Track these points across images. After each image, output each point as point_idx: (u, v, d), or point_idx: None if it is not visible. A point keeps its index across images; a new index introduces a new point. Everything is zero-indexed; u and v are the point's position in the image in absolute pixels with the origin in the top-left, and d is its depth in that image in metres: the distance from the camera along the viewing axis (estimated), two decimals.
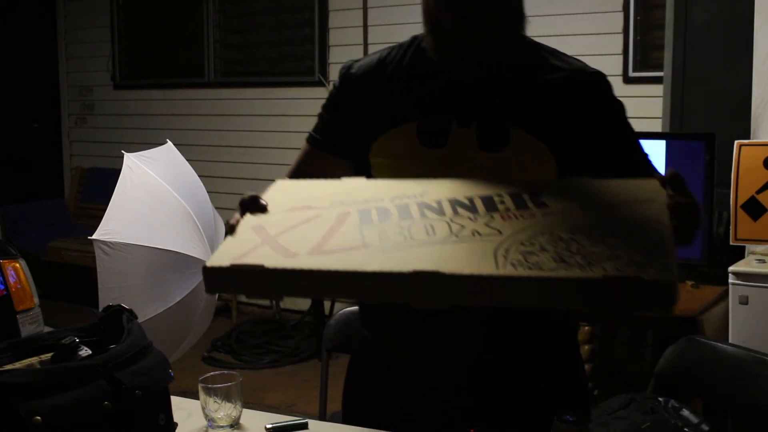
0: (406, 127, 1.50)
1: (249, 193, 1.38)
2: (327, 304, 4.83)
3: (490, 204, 1.25)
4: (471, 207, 1.25)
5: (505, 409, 1.53)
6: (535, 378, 1.55)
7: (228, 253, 1.22)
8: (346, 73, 1.59)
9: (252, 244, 1.24)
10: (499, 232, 1.17)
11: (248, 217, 1.32)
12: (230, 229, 1.31)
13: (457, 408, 1.54)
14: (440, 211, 1.24)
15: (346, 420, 1.71)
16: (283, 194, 1.39)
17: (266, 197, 1.37)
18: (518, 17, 1.52)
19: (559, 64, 1.53)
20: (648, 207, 1.21)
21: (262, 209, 1.34)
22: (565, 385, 1.59)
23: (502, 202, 1.25)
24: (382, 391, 1.64)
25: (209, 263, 1.23)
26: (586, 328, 3.72)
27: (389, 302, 1.25)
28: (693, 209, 1.27)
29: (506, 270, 1.08)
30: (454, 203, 1.27)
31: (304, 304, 5.23)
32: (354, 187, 1.37)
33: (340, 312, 2.25)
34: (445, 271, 1.09)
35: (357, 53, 4.99)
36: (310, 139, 1.70)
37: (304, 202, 1.34)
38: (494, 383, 1.53)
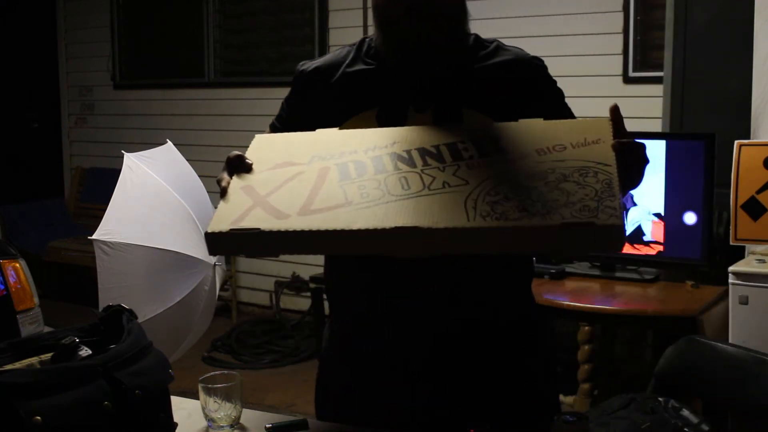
0: (365, 114, 1.58)
1: (235, 152, 1.46)
2: (327, 305, 4.82)
3: (455, 152, 1.38)
4: (438, 156, 1.38)
5: (468, 391, 1.60)
6: (496, 356, 1.61)
7: (225, 218, 1.33)
8: (301, 71, 1.70)
9: (245, 206, 1.34)
10: (466, 182, 1.31)
11: (236, 178, 1.41)
12: (223, 191, 1.39)
13: (420, 390, 1.60)
14: (411, 163, 1.37)
15: (319, 415, 1.77)
16: (265, 151, 1.49)
17: (250, 155, 1.47)
18: (461, 10, 1.59)
19: (502, 51, 1.65)
20: (596, 148, 1.34)
21: (248, 169, 1.43)
22: (525, 362, 1.64)
23: (466, 149, 1.38)
24: (346, 380, 1.72)
25: (209, 229, 1.32)
26: (586, 328, 3.72)
27: (373, 254, 1.33)
28: (637, 147, 1.36)
29: (476, 222, 1.22)
30: (423, 153, 1.39)
31: (304, 304, 5.23)
32: (329, 139, 1.48)
33: None
34: (422, 225, 1.23)
35: None
36: (272, 128, 1.78)
37: (286, 158, 1.45)
38: (456, 363, 1.59)
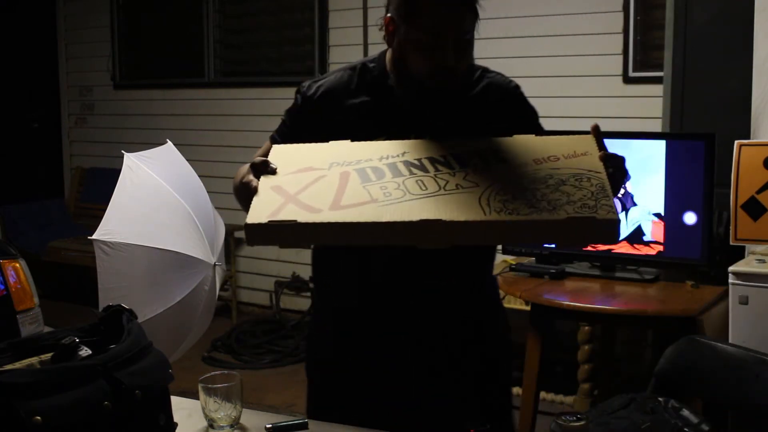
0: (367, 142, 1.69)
1: (259, 158, 1.60)
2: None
3: (462, 161, 1.54)
4: (447, 164, 1.54)
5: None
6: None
7: (262, 211, 1.46)
8: (305, 92, 1.82)
9: (278, 202, 1.48)
10: (476, 184, 1.47)
11: (264, 179, 1.55)
12: (254, 190, 1.52)
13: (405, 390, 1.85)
14: (424, 169, 1.53)
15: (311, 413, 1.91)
16: (284, 158, 1.62)
17: (273, 159, 1.60)
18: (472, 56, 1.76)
19: (486, 77, 1.84)
20: (585, 159, 1.53)
21: (273, 172, 1.56)
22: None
23: (471, 158, 1.55)
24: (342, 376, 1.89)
25: (249, 220, 1.45)
26: (586, 328, 3.73)
27: (400, 245, 1.48)
28: (621, 159, 1.57)
29: (492, 216, 1.39)
30: (433, 161, 1.55)
31: (304, 304, 5.23)
32: (342, 150, 1.62)
33: None
34: (445, 218, 1.39)
35: (357, 53, 4.99)
36: (272, 141, 1.88)
37: (306, 164, 1.58)
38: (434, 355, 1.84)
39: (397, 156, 1.57)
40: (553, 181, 1.46)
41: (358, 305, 1.86)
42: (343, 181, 1.51)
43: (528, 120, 1.84)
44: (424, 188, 1.47)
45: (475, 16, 1.68)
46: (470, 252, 1.74)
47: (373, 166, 1.55)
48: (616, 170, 1.54)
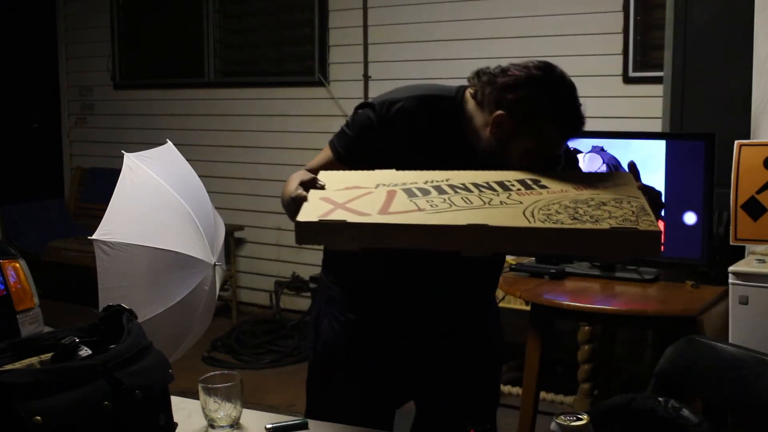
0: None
1: (308, 175, 1.66)
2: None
3: (504, 186, 1.61)
4: (490, 188, 1.60)
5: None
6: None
7: (312, 213, 1.51)
8: (386, 114, 1.83)
9: (328, 208, 1.53)
10: (520, 202, 1.53)
11: (312, 191, 1.60)
12: (302, 199, 1.57)
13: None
14: (468, 190, 1.59)
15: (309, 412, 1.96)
16: (330, 179, 1.67)
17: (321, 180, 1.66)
18: None
19: None
20: (625, 188, 1.61)
21: (322, 188, 1.62)
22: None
23: (513, 185, 1.61)
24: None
25: (300, 218, 1.50)
26: (586, 328, 3.72)
27: (443, 250, 1.53)
28: (657, 193, 1.67)
29: (537, 224, 1.44)
30: (476, 185, 1.61)
31: (304, 304, 5.23)
32: (388, 175, 1.68)
33: None
34: (492, 224, 1.44)
35: (357, 53, 4.99)
36: (332, 146, 1.89)
37: (352, 184, 1.64)
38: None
39: (442, 180, 1.63)
40: (594, 202, 1.52)
41: (368, 304, 1.94)
42: (390, 196, 1.57)
43: (572, 162, 1.99)
44: (469, 202, 1.53)
45: None
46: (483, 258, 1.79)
47: (419, 187, 1.61)
48: (652, 201, 1.58)
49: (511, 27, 4.48)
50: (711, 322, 2.79)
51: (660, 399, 2.10)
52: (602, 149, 3.23)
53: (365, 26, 4.95)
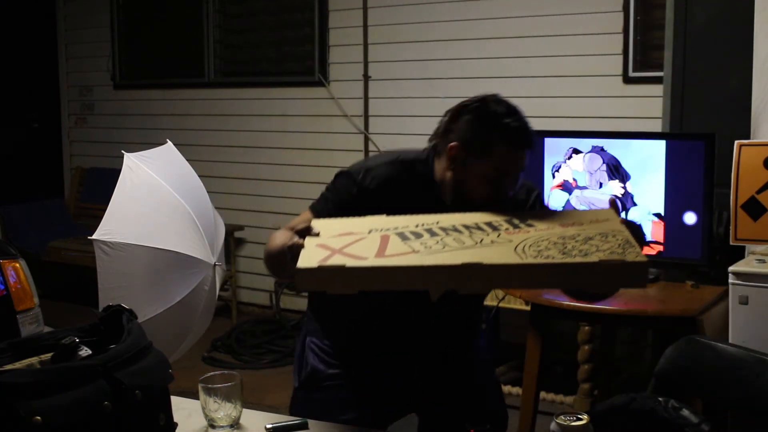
0: None
1: (298, 225, 1.71)
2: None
3: (493, 226, 1.66)
4: (480, 228, 1.65)
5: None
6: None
7: (311, 259, 1.55)
8: (360, 182, 1.90)
9: (326, 254, 1.56)
10: (510, 240, 1.58)
11: (309, 238, 1.64)
12: (299, 247, 1.61)
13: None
14: (459, 231, 1.64)
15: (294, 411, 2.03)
16: (324, 227, 1.70)
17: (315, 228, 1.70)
18: None
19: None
20: (608, 223, 1.65)
21: (316, 235, 1.66)
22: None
23: (501, 225, 1.67)
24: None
25: (299, 265, 1.54)
26: (586, 328, 3.72)
27: (441, 289, 1.57)
28: (639, 226, 1.70)
29: (528, 260, 1.48)
30: (466, 227, 1.66)
31: (303, 304, 5.23)
32: (380, 220, 1.73)
33: None
34: (486, 262, 1.48)
35: (357, 53, 4.99)
36: (313, 210, 1.93)
37: (346, 231, 1.68)
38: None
39: (433, 224, 1.69)
40: (581, 237, 1.57)
41: (362, 330, 2.02)
42: (384, 240, 1.62)
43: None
44: (461, 243, 1.58)
45: (531, 154, 1.86)
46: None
47: (412, 231, 1.66)
48: (634, 235, 1.62)
49: (511, 27, 4.48)
50: (711, 322, 2.79)
51: (660, 399, 2.10)
52: (602, 149, 3.23)
53: (365, 26, 4.95)
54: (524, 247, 1.54)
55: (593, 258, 1.47)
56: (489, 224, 1.67)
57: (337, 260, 1.53)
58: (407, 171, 1.91)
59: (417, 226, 1.68)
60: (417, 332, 1.98)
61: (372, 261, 1.53)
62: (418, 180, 1.90)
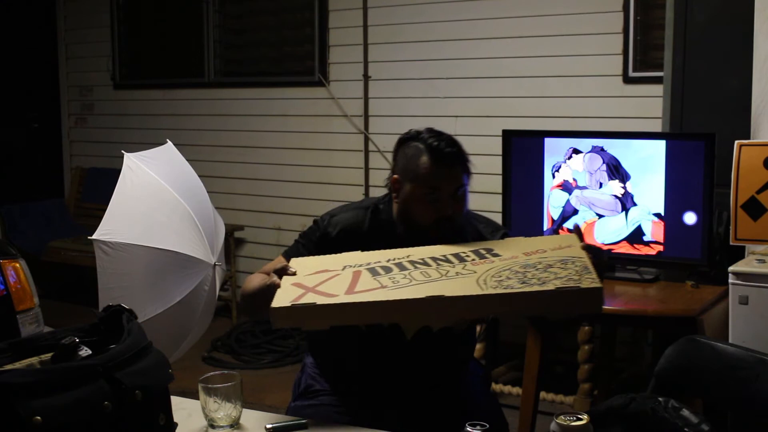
0: None
1: (277, 265, 1.87)
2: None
3: (459, 258, 1.77)
4: (447, 260, 1.75)
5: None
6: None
7: (285, 298, 1.67)
8: (324, 227, 2.07)
9: (300, 293, 1.68)
10: (474, 272, 1.68)
11: (285, 278, 1.77)
12: (276, 286, 1.75)
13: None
14: (427, 264, 1.75)
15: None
16: (301, 265, 1.83)
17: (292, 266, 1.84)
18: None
19: (474, 218, 2.12)
20: (570, 249, 1.73)
21: (293, 274, 1.80)
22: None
23: (468, 256, 1.77)
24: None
25: (274, 304, 1.67)
26: (586, 328, 3.72)
27: (410, 322, 1.70)
28: (600, 250, 1.80)
29: (489, 290, 1.58)
30: (434, 259, 1.77)
31: None
32: (354, 256, 1.85)
33: None
34: (448, 294, 1.58)
35: (357, 53, 4.99)
36: (285, 256, 2.07)
37: (321, 268, 1.80)
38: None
39: (403, 258, 1.80)
40: (542, 266, 1.66)
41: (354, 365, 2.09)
42: (356, 276, 1.72)
43: None
44: (428, 276, 1.68)
45: (467, 173, 1.98)
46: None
47: (383, 266, 1.77)
48: (596, 258, 1.72)
49: (511, 27, 4.48)
50: (711, 322, 2.79)
51: (660, 399, 2.10)
52: (602, 149, 3.23)
53: (365, 26, 4.95)
54: (486, 278, 1.64)
55: (550, 286, 1.55)
56: (456, 255, 1.77)
57: (309, 298, 1.65)
58: (368, 215, 2.07)
59: (388, 260, 1.79)
60: (399, 367, 2.05)
61: (342, 298, 1.64)
62: (378, 221, 2.05)
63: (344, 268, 1.79)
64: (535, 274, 1.62)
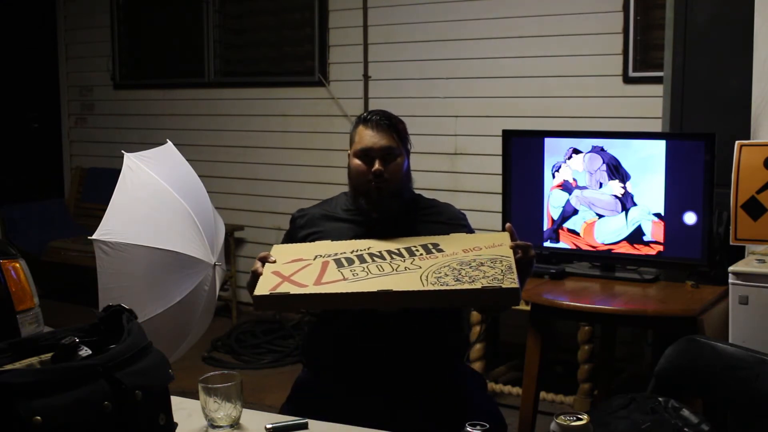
0: None
1: (263, 252, 2.14)
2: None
3: (410, 252, 2.09)
4: (400, 254, 2.08)
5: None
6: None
7: (266, 286, 1.98)
8: (297, 220, 2.37)
9: (277, 281, 2.00)
10: (420, 267, 2.00)
11: (267, 265, 2.08)
12: (260, 274, 2.04)
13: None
14: (383, 257, 2.07)
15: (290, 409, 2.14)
16: (282, 252, 2.16)
17: (272, 254, 2.13)
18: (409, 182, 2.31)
19: (432, 205, 2.38)
20: (500, 248, 2.04)
21: (273, 262, 2.09)
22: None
23: (417, 250, 2.09)
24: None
25: (256, 292, 1.97)
26: (586, 328, 3.73)
27: (363, 308, 2.07)
28: (528, 246, 2.06)
29: (428, 287, 1.90)
30: (390, 252, 2.09)
31: None
32: (323, 246, 2.18)
33: None
34: (394, 289, 1.91)
35: (357, 53, 4.99)
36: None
37: (296, 257, 2.12)
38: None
39: (364, 249, 2.12)
40: (475, 263, 1.97)
41: (338, 365, 2.22)
42: (324, 267, 2.03)
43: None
44: (381, 270, 2.00)
45: (399, 145, 2.22)
46: (440, 319, 2.22)
47: (346, 257, 2.08)
48: (523, 255, 2.03)
49: (511, 27, 4.48)
50: (711, 322, 2.79)
51: (660, 399, 2.10)
52: (602, 149, 3.23)
53: (365, 26, 4.95)
54: (428, 274, 1.94)
55: (477, 285, 1.87)
56: (408, 249, 2.09)
57: (284, 288, 1.95)
58: (333, 204, 2.36)
59: (352, 252, 2.10)
60: (387, 352, 2.16)
61: (311, 288, 1.94)
62: (341, 208, 2.33)
63: (315, 257, 2.09)
64: (468, 272, 1.94)
